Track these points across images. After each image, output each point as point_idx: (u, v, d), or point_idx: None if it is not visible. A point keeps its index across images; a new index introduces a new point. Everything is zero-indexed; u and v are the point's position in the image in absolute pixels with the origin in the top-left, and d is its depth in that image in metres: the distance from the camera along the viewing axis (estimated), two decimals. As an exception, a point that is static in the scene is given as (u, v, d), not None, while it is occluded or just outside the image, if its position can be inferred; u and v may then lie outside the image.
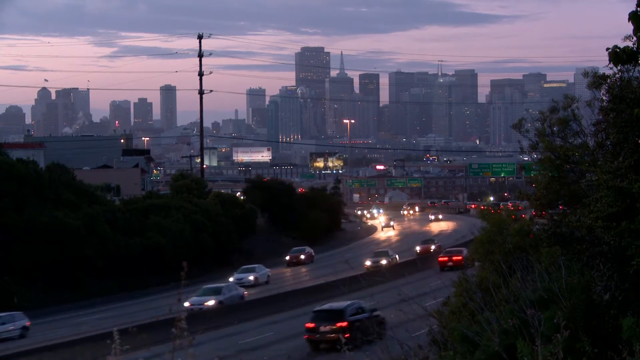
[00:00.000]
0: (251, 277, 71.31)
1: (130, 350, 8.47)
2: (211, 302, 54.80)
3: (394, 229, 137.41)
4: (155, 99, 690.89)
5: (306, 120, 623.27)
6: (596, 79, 18.26)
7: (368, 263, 73.36)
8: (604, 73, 17.09)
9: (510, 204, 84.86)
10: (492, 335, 13.31)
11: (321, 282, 65.19)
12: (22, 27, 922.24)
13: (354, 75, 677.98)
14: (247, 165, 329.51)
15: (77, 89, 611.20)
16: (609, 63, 13.04)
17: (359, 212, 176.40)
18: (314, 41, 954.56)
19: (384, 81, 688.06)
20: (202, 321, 44.18)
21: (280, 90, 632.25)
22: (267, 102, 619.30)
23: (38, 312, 62.38)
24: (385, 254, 77.20)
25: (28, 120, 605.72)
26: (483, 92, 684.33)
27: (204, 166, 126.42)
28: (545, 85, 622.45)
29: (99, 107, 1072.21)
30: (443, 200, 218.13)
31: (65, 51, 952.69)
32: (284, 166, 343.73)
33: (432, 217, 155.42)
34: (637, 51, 12.93)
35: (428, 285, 51.41)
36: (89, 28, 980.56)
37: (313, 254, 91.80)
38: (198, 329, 8.96)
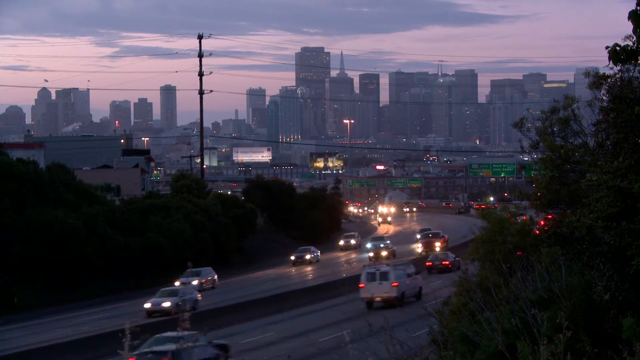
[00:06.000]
0: (195, 282, 67.69)
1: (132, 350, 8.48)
2: (167, 304, 53.76)
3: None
4: (155, 99, 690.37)
5: (306, 121, 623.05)
6: (596, 79, 18.28)
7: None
8: (604, 73, 17.11)
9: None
10: (494, 334, 13.31)
11: (321, 282, 65.27)
12: (24, 27, 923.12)
13: (354, 75, 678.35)
14: (247, 165, 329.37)
15: (77, 89, 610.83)
16: (609, 62, 13.04)
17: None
18: (314, 41, 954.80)
19: (384, 81, 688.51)
20: (203, 321, 44.09)
21: (280, 90, 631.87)
22: (267, 102, 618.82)
23: (38, 312, 62.43)
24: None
25: (28, 120, 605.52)
26: (483, 92, 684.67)
27: (204, 166, 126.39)
28: (546, 86, 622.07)
29: (99, 107, 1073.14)
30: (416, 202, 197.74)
31: (66, 51, 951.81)
32: (284, 166, 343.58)
33: None
34: (637, 50, 12.91)
35: (428, 285, 51.51)
36: (91, 28, 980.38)
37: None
38: (202, 329, 8.96)
